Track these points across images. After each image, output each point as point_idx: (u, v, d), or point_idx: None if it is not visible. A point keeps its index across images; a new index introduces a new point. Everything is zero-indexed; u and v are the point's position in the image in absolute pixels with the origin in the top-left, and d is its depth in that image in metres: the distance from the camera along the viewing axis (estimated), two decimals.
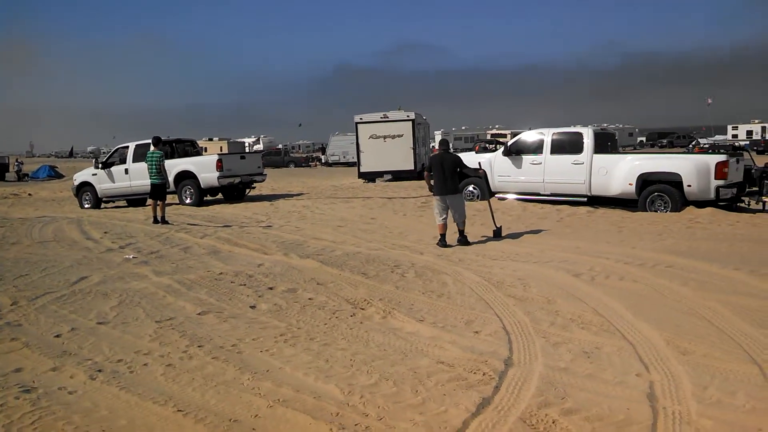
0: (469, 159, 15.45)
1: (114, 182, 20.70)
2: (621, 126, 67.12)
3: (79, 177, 21.89)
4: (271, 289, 8.12)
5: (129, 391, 4.88)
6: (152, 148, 15.81)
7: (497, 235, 11.71)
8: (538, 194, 16.57)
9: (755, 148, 47.34)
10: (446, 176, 11.04)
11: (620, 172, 15.14)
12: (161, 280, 8.63)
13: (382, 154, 28.56)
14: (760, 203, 14.60)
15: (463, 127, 72.69)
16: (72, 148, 74.00)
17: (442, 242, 11.04)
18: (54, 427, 4.27)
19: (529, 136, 17.17)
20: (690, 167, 14.24)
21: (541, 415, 4.29)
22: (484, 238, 11.67)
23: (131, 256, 10.54)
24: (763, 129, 61.18)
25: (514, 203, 16.43)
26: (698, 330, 6.02)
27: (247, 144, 77.84)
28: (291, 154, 67.01)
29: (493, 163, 17.12)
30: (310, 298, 7.62)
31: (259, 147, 78.84)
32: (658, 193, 14.54)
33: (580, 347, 5.67)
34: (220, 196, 21.15)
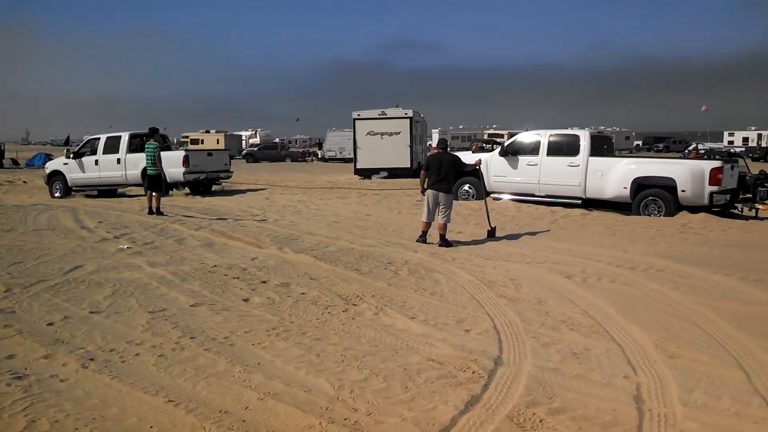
0: (466, 159, 15.49)
1: (84, 172, 21.21)
2: (618, 129, 67.25)
3: (51, 166, 22.45)
4: (264, 282, 8.15)
5: (121, 381, 4.90)
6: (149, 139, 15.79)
7: (491, 235, 11.76)
8: (534, 195, 16.64)
9: (750, 155, 47.53)
10: (443, 175, 11.04)
11: (615, 175, 15.26)
12: (155, 271, 8.65)
13: (379, 150, 28.60)
14: (753, 210, 14.69)
15: (461, 126, 72.67)
16: (68, 137, 73.66)
17: (422, 238, 11.18)
18: (45, 414, 4.30)
19: (525, 137, 17.26)
20: (685, 172, 14.36)
21: (528, 414, 4.33)
22: (478, 239, 11.71)
23: (125, 247, 10.55)
24: (759, 136, 61.38)
25: (509, 204, 16.50)
26: (687, 334, 6.08)
27: (243, 137, 77.76)
28: (288, 149, 66.95)
29: (490, 163, 17.18)
30: (302, 293, 7.65)
31: (256, 140, 78.75)
32: (652, 197, 14.66)
33: (569, 348, 5.72)
34: (187, 190, 21.34)
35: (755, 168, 21.53)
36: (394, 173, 28.60)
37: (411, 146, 28.67)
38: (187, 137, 70.22)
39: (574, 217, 14.52)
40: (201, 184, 21.12)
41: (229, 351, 5.61)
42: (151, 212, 14.87)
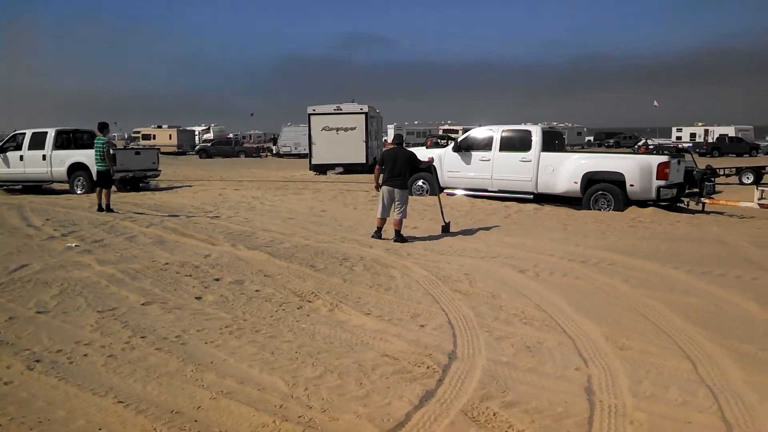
0: (420, 155, 15.59)
1: (9, 167, 21.05)
2: (570, 125, 68.29)
3: None
4: (217, 280, 8.05)
5: (68, 382, 4.79)
6: (98, 134, 15.45)
7: (446, 230, 11.81)
8: (486, 190, 16.81)
9: (698, 150, 48.77)
10: (398, 171, 11.02)
11: (566, 170, 15.51)
12: (104, 270, 8.47)
13: (335, 146, 28.53)
14: (700, 204, 15.07)
15: (416, 122, 72.96)
16: (15, 130, 71.65)
17: (378, 234, 11.13)
18: None
19: (478, 133, 17.45)
20: (633, 167, 14.68)
21: (482, 408, 4.36)
22: (433, 234, 11.76)
23: (74, 245, 10.31)
24: (706, 132, 62.97)
25: (464, 199, 16.62)
26: (636, 326, 6.20)
27: (196, 132, 76.72)
28: (242, 144, 66.28)
29: (443, 159, 17.29)
30: (257, 290, 7.58)
31: (210, 136, 77.77)
32: (602, 191, 14.93)
33: (522, 342, 5.78)
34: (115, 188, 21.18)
35: (702, 163, 22.11)
36: (349, 169, 28.57)
37: (366, 142, 28.67)
38: (138, 132, 68.98)
39: (527, 212, 14.70)
40: (128, 182, 21.12)
41: (181, 350, 5.52)
42: (100, 209, 14.55)
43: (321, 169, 29.08)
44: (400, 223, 10.99)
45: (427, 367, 5.13)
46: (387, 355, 5.42)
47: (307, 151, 31.03)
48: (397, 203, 11.00)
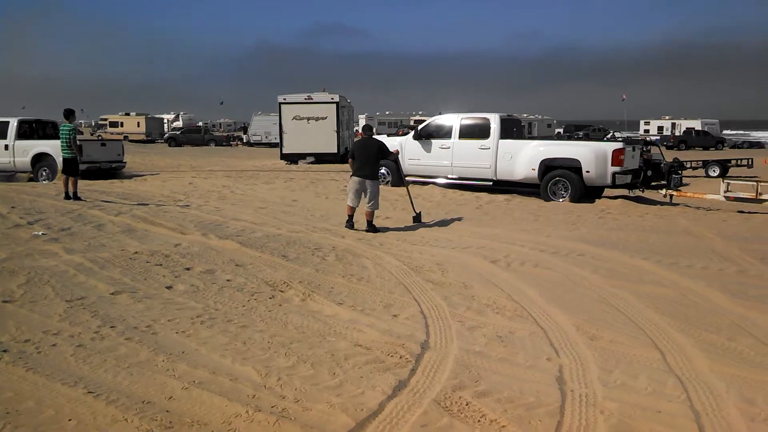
0: (389, 144, 15.85)
1: None
2: (540, 117, 68.73)
3: None
4: (188, 269, 7.97)
5: (36, 372, 4.71)
6: (64, 121, 15.17)
7: (417, 220, 11.83)
8: (447, 177, 17.03)
9: (665, 143, 49.48)
10: (368, 161, 11.00)
11: (524, 157, 15.90)
12: (72, 258, 8.33)
13: (306, 135, 28.36)
14: (668, 196, 15.29)
15: (387, 112, 72.83)
16: None
17: (350, 224, 11.08)
18: None
19: (439, 121, 17.76)
20: (589, 154, 15.13)
21: (455, 398, 4.39)
22: (405, 224, 11.78)
23: (41, 233, 10.12)
24: (673, 125, 63.87)
25: (435, 190, 16.67)
26: (606, 316, 6.28)
27: (165, 120, 75.78)
28: (212, 133, 65.63)
29: (404, 147, 17.45)
30: (228, 280, 7.52)
31: (179, 124, 76.87)
32: (559, 178, 15.33)
33: (494, 332, 5.82)
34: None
35: (669, 156, 22.38)
36: (321, 158, 28.44)
37: (338, 131, 28.55)
38: (105, 119, 67.90)
39: (498, 203, 14.80)
40: (93, 174, 20.85)
41: (152, 340, 5.47)
42: (67, 197, 14.30)
43: (292, 158, 28.91)
44: (371, 214, 10.98)
45: (400, 357, 5.15)
46: (360, 345, 5.42)
47: (277, 141, 30.81)
48: (368, 193, 10.97)
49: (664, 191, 15.45)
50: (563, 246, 9.65)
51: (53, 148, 19.59)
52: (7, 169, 20.48)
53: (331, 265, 8.40)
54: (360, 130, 18.57)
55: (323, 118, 28.51)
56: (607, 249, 9.42)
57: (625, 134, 58.68)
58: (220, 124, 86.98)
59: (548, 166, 15.54)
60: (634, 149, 15.93)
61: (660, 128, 64.47)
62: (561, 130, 75.39)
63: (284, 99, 28.79)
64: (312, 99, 28.85)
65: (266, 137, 52.71)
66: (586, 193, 15.37)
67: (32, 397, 4.32)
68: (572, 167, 15.21)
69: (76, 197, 14.30)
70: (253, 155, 39.37)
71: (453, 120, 17.20)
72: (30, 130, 21.04)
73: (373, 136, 11.59)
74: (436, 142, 17.16)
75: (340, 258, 8.78)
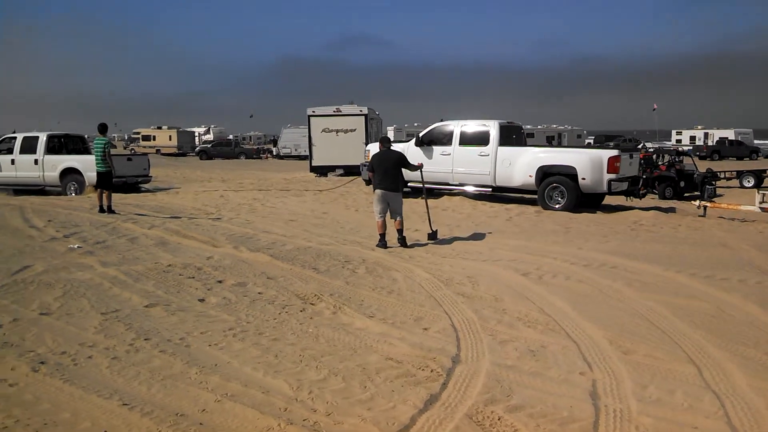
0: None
1: (1, 171, 21.14)
2: (569, 127, 68.27)
3: None
4: (220, 282, 8.05)
5: (73, 384, 4.79)
6: (98, 135, 15.46)
7: (432, 238, 11.44)
8: (447, 184, 17.29)
9: (698, 153, 48.81)
10: (388, 174, 10.82)
11: (522, 164, 16.15)
12: (107, 271, 8.46)
13: (335, 148, 28.48)
14: (702, 208, 15.08)
15: (416, 124, 72.88)
16: (14, 132, 71.62)
17: (382, 243, 10.73)
18: None
19: (440, 128, 17.95)
20: (585, 161, 15.29)
21: (487, 412, 4.36)
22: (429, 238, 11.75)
23: (76, 246, 10.30)
24: (706, 135, 63.01)
25: (465, 202, 16.62)
26: (640, 330, 6.20)
27: (197, 134, 76.72)
28: (242, 146, 66.29)
29: (406, 153, 17.47)
30: (259, 293, 7.58)
31: (210, 137, 77.76)
32: (555, 184, 15.50)
33: (526, 345, 5.78)
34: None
35: (702, 166, 22.09)
36: (350, 170, 28.53)
37: (366, 143, 28.62)
38: (138, 133, 68.97)
39: (528, 215, 14.70)
40: (119, 188, 21.16)
41: (185, 352, 5.53)
42: (102, 210, 14.54)
43: (321, 170, 29.04)
44: (400, 222, 10.84)
45: (431, 371, 5.13)
46: (391, 359, 5.42)
47: (307, 153, 30.99)
48: (392, 207, 10.87)
49: (697, 202, 15.25)
50: (595, 258, 9.56)
51: (81, 162, 20.09)
52: (37, 183, 20.93)
53: (362, 277, 8.42)
54: (369, 151, 18.73)
55: (352, 131, 28.62)
56: (641, 261, 9.30)
57: (657, 144, 57.99)
58: (250, 137, 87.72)
59: (545, 173, 15.75)
60: (631, 156, 16.30)
61: (692, 138, 63.64)
62: (591, 141, 74.81)
63: (313, 111, 28.97)
64: (341, 111, 29.00)
65: (296, 150, 53.03)
66: (586, 200, 15.66)
67: (69, 409, 4.38)
68: (568, 174, 15.40)
69: (110, 210, 14.54)
70: (282, 168, 39.67)
71: (453, 127, 17.49)
72: (59, 145, 21.50)
73: (391, 148, 11.44)
74: (437, 149, 17.40)
75: (371, 271, 8.79)
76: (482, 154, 16.65)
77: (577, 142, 64.51)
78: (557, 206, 15.38)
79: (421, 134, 18.31)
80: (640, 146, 51.36)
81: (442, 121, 18.54)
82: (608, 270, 8.84)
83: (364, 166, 19.19)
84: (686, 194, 20.39)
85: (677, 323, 6.41)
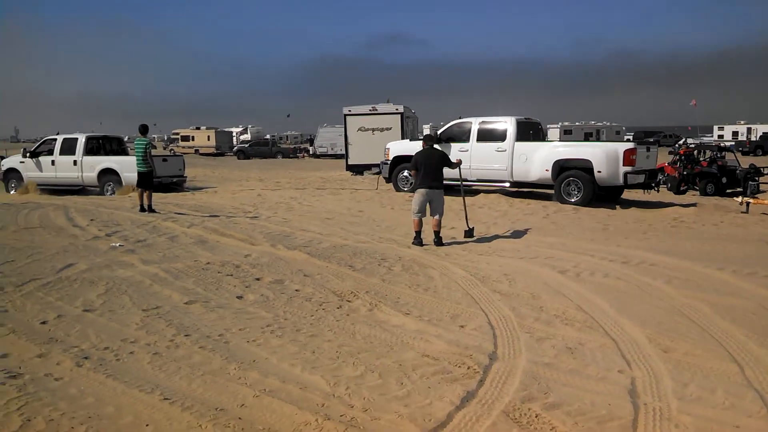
0: (408, 147, 18.17)
1: (41, 171, 21.73)
2: (608, 124, 67.38)
3: (7, 163, 23.12)
4: (258, 279, 8.14)
5: (116, 379, 4.89)
6: (139, 136, 15.76)
7: (469, 235, 11.44)
8: (466, 180, 17.11)
9: (740, 149, 47.76)
10: (432, 172, 10.84)
11: (538, 159, 16.31)
12: (148, 269, 8.61)
13: (371, 146, 28.51)
14: (744, 204, 14.78)
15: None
16: (57, 134, 73.29)
17: (418, 240, 10.73)
18: (40, 413, 4.28)
19: (458, 125, 18.10)
20: (600, 154, 15.37)
21: (524, 409, 4.35)
22: (471, 235, 11.71)
23: (118, 244, 10.51)
24: (749, 130, 61.67)
25: (501, 199, 16.56)
26: (680, 328, 6.11)
27: (234, 133, 77.57)
28: (279, 145, 66.83)
29: None
30: (297, 290, 7.64)
31: (247, 137, 78.54)
32: (572, 178, 15.60)
33: (563, 343, 5.74)
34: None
35: (745, 162, 21.62)
36: None
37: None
38: (177, 134, 69.98)
39: (566, 212, 14.56)
40: (157, 188, 21.52)
41: (224, 348, 5.61)
42: (142, 209, 14.80)
43: (357, 169, 29.12)
44: (438, 223, 10.81)
45: (468, 368, 5.13)
46: (427, 356, 5.43)
47: (343, 152, 31.11)
48: (434, 205, 10.86)
49: (740, 198, 14.96)
50: (634, 255, 9.44)
51: (118, 163, 20.60)
52: (76, 183, 21.47)
53: (398, 275, 8.44)
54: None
55: (388, 129, 28.64)
56: (681, 258, 9.16)
57: (699, 140, 56.92)
58: (287, 136, 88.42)
59: (562, 167, 15.86)
60: (648, 149, 16.36)
61: (735, 133, 62.34)
62: (630, 137, 73.69)
63: (349, 111, 29.07)
64: (377, 110, 29.04)
65: (332, 149, 53.29)
66: (604, 194, 15.81)
67: (112, 403, 4.48)
68: (584, 168, 15.49)
69: (150, 210, 14.79)
70: (319, 167, 39.89)
71: (471, 123, 17.61)
72: (97, 146, 22.07)
73: (435, 147, 11.47)
74: (455, 146, 17.40)
75: (407, 268, 8.81)
76: (499, 149, 16.83)
77: (615, 139, 63.64)
78: (573, 200, 15.54)
79: (439, 131, 18.44)
80: (681, 142, 50.52)
81: (460, 118, 18.67)
82: (647, 267, 8.73)
83: (385, 163, 19.40)
84: (728, 190, 20.00)
85: (718, 321, 6.30)
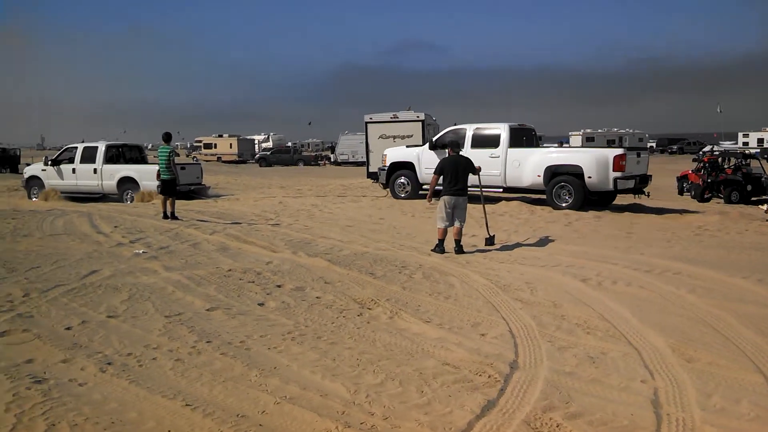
0: (405, 153, 18.74)
1: (62, 179, 22.16)
2: (631, 131, 66.94)
3: (29, 171, 23.62)
4: (279, 286, 8.18)
5: (138, 385, 4.94)
6: (163, 143, 15.90)
7: (490, 243, 11.40)
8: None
9: (766, 156, 47.13)
10: (459, 178, 10.80)
11: (530, 164, 16.64)
12: (171, 276, 8.69)
13: None
14: None
15: None
16: (82, 141, 74.18)
17: (440, 248, 10.68)
18: (65, 418, 4.33)
19: (453, 131, 18.37)
20: (590, 160, 15.74)
21: (545, 419, 4.32)
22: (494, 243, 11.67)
23: (141, 251, 10.61)
24: None
25: (523, 207, 16.47)
26: (704, 337, 6.05)
27: (256, 141, 78.04)
28: (300, 153, 67.14)
29: (421, 157, 18.41)
30: (317, 297, 7.67)
31: (269, 144, 78.98)
32: (563, 183, 15.87)
33: (585, 352, 5.70)
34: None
35: None
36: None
37: None
38: (200, 141, 70.55)
39: (587, 220, 14.47)
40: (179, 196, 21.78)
41: (245, 355, 5.64)
42: (165, 216, 14.93)
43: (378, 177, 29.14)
44: (460, 231, 10.75)
45: (489, 377, 5.11)
46: (448, 364, 5.42)
47: (364, 159, 31.16)
48: (458, 211, 10.81)
49: (765, 206, 14.78)
50: (657, 264, 9.35)
51: (137, 172, 20.85)
52: (96, 191, 21.76)
53: (418, 283, 8.43)
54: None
55: (409, 136, 28.61)
56: (705, 267, 9.06)
57: (724, 146, 56.28)
58: (309, 144, 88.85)
59: (553, 173, 16.15)
60: (639, 155, 16.58)
61: (760, 140, 61.53)
62: (653, 145, 73.08)
63: (370, 118, 29.11)
64: (398, 117, 29.04)
65: (353, 156, 53.42)
66: (597, 199, 16.08)
67: (135, 408, 4.53)
68: (575, 173, 15.80)
69: (173, 217, 14.91)
70: (340, 174, 39.99)
71: (465, 130, 17.84)
72: (117, 154, 22.41)
73: (461, 153, 11.44)
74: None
75: (427, 276, 8.80)
76: (493, 155, 17.02)
77: (639, 146, 63.11)
78: (565, 205, 15.74)
79: (434, 138, 18.70)
80: (705, 149, 49.99)
81: (455, 125, 18.79)
82: (671, 276, 8.65)
83: (382, 170, 19.48)
84: (753, 198, 19.76)
85: (743, 331, 6.23)
